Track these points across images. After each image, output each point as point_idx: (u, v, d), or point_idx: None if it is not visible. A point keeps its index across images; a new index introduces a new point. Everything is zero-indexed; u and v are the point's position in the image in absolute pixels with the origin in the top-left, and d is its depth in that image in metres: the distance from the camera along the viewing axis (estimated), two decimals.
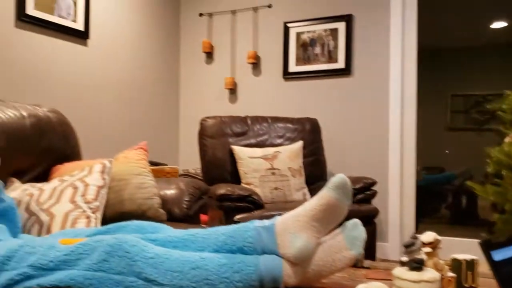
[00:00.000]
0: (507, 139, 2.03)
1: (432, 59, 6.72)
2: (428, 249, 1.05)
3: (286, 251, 1.06)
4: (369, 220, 2.67)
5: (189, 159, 3.95)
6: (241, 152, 2.91)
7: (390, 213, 3.30)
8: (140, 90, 3.52)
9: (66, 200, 1.48)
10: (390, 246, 3.30)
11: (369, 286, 0.71)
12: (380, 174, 3.33)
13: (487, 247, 0.66)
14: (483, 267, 1.72)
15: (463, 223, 5.34)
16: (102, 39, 3.14)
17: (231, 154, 2.98)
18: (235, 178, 2.94)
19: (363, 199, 2.71)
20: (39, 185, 1.58)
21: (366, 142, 3.38)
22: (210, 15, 3.88)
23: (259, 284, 1.06)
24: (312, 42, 3.58)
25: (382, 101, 3.36)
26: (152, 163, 3.14)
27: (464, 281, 1.12)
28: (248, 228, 1.12)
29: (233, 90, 3.80)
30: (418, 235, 0.92)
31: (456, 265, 1.13)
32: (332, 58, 3.52)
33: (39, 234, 1.42)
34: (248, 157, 2.88)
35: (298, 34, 3.61)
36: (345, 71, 3.46)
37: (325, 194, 1.08)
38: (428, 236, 1.06)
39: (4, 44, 2.49)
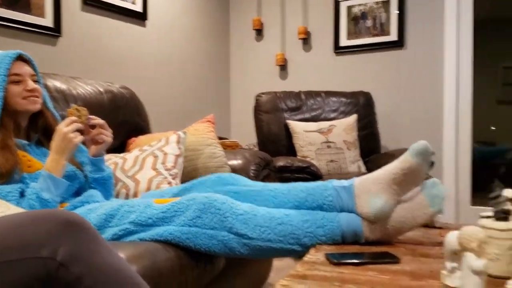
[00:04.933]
0: None
1: (481, 30, 6.50)
2: (511, 206, 1.08)
3: (364, 210, 1.12)
4: None
5: (241, 135, 4.04)
6: (297, 126, 2.97)
7: (444, 185, 3.29)
8: (193, 68, 3.63)
9: (149, 167, 1.60)
10: (445, 218, 3.30)
11: (465, 229, 0.76)
12: (433, 147, 3.31)
13: None
14: None
15: None
16: (158, 20, 3.24)
17: (287, 128, 3.04)
18: (291, 151, 3.01)
19: None
20: (120, 155, 1.70)
21: (420, 115, 3.36)
22: None
23: (341, 238, 1.13)
24: (364, 15, 3.56)
25: (437, 73, 3.32)
26: None
27: None
28: (327, 187, 1.19)
29: (283, 66, 3.85)
30: (500, 188, 0.96)
31: None
32: (384, 30, 3.49)
33: (127, 198, 1.54)
34: (303, 131, 2.94)
35: (349, 8, 3.60)
36: (398, 44, 3.43)
37: (407, 159, 1.13)
38: (509, 192, 1.09)
39: (71, 26, 2.62)
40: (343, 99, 3.22)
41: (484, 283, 0.74)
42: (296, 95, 3.20)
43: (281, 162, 2.53)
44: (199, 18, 3.68)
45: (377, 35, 3.51)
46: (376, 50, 3.52)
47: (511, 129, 6.48)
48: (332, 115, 3.16)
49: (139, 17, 3.05)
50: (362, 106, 3.21)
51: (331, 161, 2.88)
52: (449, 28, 3.27)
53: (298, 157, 2.89)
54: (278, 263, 2.48)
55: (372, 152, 3.16)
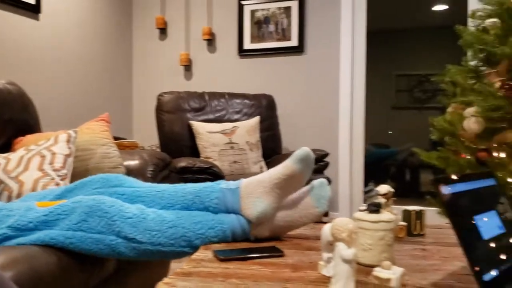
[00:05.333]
0: (449, 109, 2.21)
1: (378, 40, 6.97)
2: (383, 200, 1.17)
3: (248, 212, 1.15)
4: None
5: (144, 136, 3.95)
6: (200, 127, 2.97)
7: (340, 184, 3.48)
8: (91, 66, 3.48)
9: (34, 168, 1.50)
10: (340, 215, 3.49)
11: (337, 221, 0.81)
12: (331, 148, 3.49)
13: (438, 183, 0.78)
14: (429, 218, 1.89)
15: (407, 196, 5.67)
16: (54, 14, 3.06)
17: (189, 129, 3.03)
18: (194, 152, 3.00)
19: (316, 170, 2.85)
20: (4, 155, 1.58)
21: (318, 118, 3.52)
22: None
23: (231, 238, 1.15)
24: (266, 20, 3.65)
25: (334, 78, 3.50)
26: None
27: (414, 229, 1.26)
28: (214, 189, 1.20)
29: (188, 67, 3.82)
30: (374, 185, 1.04)
31: (406, 215, 1.27)
32: (285, 36, 3.61)
33: (9, 201, 1.43)
34: (207, 132, 2.94)
35: (253, 12, 3.67)
36: (298, 49, 3.57)
37: (290, 165, 1.17)
38: (383, 188, 1.19)
39: None
40: (247, 101, 3.27)
41: (353, 271, 0.79)
42: (200, 95, 3.20)
43: (182, 163, 2.51)
44: (99, 13, 3.54)
45: (279, 40, 3.62)
46: (279, 54, 3.63)
47: (403, 132, 7.03)
48: (236, 116, 3.20)
49: (32, 9, 2.86)
50: (264, 108, 3.29)
51: (234, 162, 2.91)
52: (345, 37, 3.47)
53: (201, 158, 2.89)
54: (176, 265, 2.45)
55: (273, 153, 3.25)
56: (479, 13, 2.24)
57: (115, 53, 3.72)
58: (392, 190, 1.20)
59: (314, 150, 2.95)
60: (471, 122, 1.85)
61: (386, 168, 6.16)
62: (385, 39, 7.16)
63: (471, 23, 2.31)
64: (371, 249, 0.94)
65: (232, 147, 2.93)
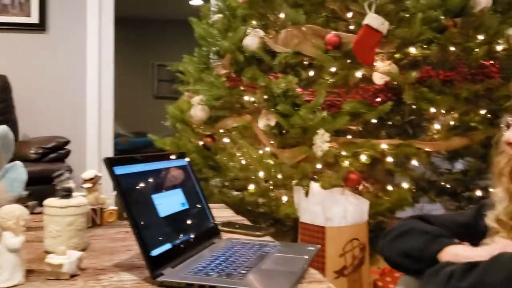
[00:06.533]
0: (184, 97, 2.33)
1: (137, 29, 6.93)
2: (89, 185, 1.15)
3: None
4: None
5: None
6: None
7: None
8: None
9: None
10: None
11: (3, 209, 0.74)
12: (77, 135, 3.30)
13: (111, 163, 0.79)
14: None
15: None
16: None
17: None
18: None
19: (56, 158, 2.67)
20: None
21: (63, 102, 3.30)
22: None
23: None
24: None
25: (80, 62, 3.32)
26: None
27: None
28: None
29: None
30: (66, 168, 1.00)
31: (118, 199, 1.27)
32: (24, 11, 3.25)
33: None
34: None
35: None
36: (40, 27, 3.27)
37: None
38: (89, 173, 1.16)
39: None
40: None
41: (22, 260, 0.74)
42: None
43: None
44: None
45: (16, 14, 3.24)
46: (16, 30, 3.26)
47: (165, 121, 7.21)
48: None
49: None
50: None
51: None
52: (91, 18, 3.31)
53: None
54: None
55: None
56: (212, 8, 2.43)
57: None
58: (99, 174, 1.18)
59: (54, 137, 2.77)
60: (198, 110, 1.99)
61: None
62: (146, 29, 7.17)
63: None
64: (60, 235, 0.90)
65: None
